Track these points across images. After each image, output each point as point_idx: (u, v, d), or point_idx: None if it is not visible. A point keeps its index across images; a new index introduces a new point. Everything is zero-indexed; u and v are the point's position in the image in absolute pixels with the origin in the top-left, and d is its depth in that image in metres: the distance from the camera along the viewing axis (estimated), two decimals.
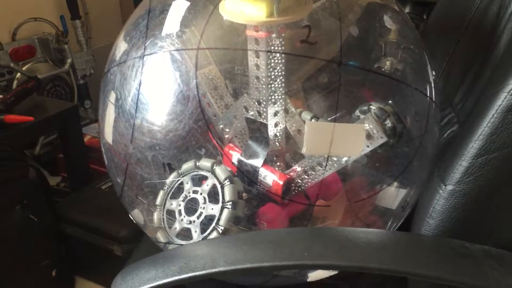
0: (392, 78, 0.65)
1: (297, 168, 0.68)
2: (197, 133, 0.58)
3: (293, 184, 0.69)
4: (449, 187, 0.51)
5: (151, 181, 0.62)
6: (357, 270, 0.46)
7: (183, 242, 0.64)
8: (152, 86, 0.61)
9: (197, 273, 0.52)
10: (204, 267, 0.52)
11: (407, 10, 1.37)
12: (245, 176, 0.68)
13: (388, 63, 0.70)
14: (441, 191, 0.52)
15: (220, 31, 0.62)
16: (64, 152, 1.49)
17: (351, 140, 0.58)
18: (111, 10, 2.00)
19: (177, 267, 0.53)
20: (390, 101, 0.62)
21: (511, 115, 0.46)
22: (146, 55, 0.59)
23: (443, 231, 0.52)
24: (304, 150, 0.60)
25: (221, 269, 0.51)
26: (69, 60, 1.72)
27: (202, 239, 0.61)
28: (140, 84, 0.59)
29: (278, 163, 0.72)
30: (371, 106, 0.61)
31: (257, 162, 0.68)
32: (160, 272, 0.54)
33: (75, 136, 1.43)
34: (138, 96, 0.59)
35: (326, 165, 0.63)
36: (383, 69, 0.70)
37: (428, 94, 0.64)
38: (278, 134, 0.71)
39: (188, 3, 0.61)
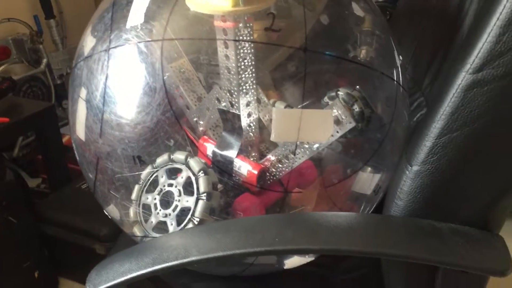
0: (360, 63, 0.66)
1: (271, 157, 0.68)
2: (165, 125, 0.58)
3: (267, 173, 0.69)
4: (415, 168, 0.52)
5: (122, 174, 0.62)
6: (328, 253, 0.47)
7: (159, 235, 0.64)
8: (118, 79, 0.60)
9: (170, 264, 0.52)
10: (177, 257, 0.52)
11: None
12: (220, 167, 0.68)
13: (363, 51, 0.71)
14: (407, 172, 0.53)
15: (186, 21, 0.62)
16: (42, 152, 1.48)
17: (319, 126, 0.59)
18: (86, 8, 1.97)
19: (151, 259, 0.53)
20: (357, 87, 0.62)
21: (471, 94, 0.47)
22: (112, 48, 0.58)
23: (411, 211, 0.52)
24: (272, 137, 0.60)
25: (194, 258, 0.51)
26: (44, 60, 1.70)
27: None
28: (106, 78, 0.59)
29: (253, 153, 0.72)
30: (339, 92, 0.62)
31: (232, 153, 0.68)
32: (134, 264, 0.54)
33: (53, 136, 1.42)
34: (105, 90, 0.59)
35: (295, 152, 0.64)
36: (359, 58, 0.71)
37: (395, 79, 0.65)
38: (251, 124, 0.71)
39: None
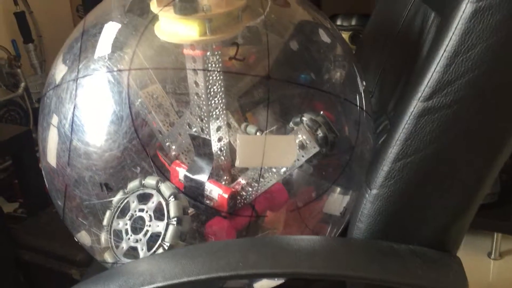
0: (323, 90, 0.68)
1: (242, 181, 0.70)
2: (132, 152, 0.59)
3: (238, 197, 0.70)
4: (374, 191, 0.53)
5: (91, 201, 0.62)
6: (291, 276, 0.48)
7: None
8: (86, 108, 0.62)
9: None
10: (142, 283, 0.53)
11: (353, 22, 1.42)
12: (191, 192, 0.69)
13: (332, 76, 0.74)
14: (367, 195, 0.54)
15: (155, 50, 0.64)
16: (19, 177, 1.47)
17: (282, 151, 0.61)
18: (65, 32, 1.97)
19: (117, 285, 0.54)
20: (321, 112, 0.64)
21: (422, 121, 0.49)
22: (80, 77, 0.60)
23: (372, 233, 0.54)
24: (237, 163, 0.62)
25: (159, 284, 0.52)
26: (22, 84, 1.71)
27: None
28: (75, 107, 0.60)
29: (224, 177, 0.73)
30: (303, 118, 0.64)
31: (203, 177, 0.69)
32: None
33: (30, 160, 1.41)
34: (73, 119, 0.60)
35: (264, 176, 0.65)
36: (327, 83, 0.73)
37: (358, 104, 0.67)
38: (222, 148, 0.73)
39: (120, 26, 0.62)
